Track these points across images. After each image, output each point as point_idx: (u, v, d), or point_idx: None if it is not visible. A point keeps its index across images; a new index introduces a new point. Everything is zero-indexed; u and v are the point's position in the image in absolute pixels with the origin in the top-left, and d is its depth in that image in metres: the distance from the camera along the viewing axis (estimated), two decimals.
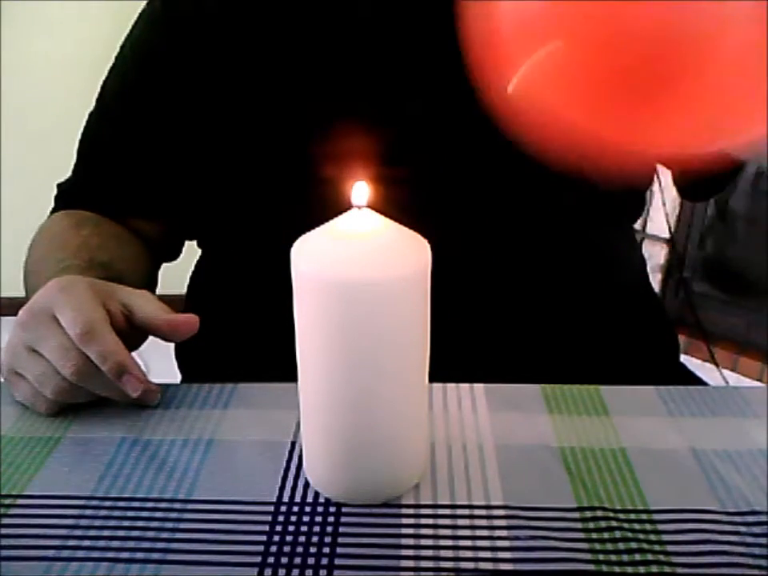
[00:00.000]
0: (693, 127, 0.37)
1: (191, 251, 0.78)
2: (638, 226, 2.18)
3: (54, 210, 0.73)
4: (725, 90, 0.35)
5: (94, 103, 0.72)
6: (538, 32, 0.36)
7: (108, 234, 0.68)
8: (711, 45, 0.34)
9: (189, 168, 0.69)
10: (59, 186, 0.74)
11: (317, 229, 0.40)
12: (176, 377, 0.75)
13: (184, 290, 0.78)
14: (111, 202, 0.71)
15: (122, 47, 0.71)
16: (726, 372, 2.05)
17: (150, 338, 0.55)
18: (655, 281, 2.19)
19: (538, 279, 0.67)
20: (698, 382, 0.73)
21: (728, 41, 0.34)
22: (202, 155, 0.68)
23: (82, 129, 0.73)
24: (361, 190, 0.40)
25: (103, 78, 0.72)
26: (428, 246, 0.40)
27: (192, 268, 0.79)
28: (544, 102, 0.38)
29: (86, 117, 0.73)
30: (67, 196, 0.73)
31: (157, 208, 0.72)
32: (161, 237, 0.74)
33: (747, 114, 0.36)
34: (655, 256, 2.18)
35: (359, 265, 0.38)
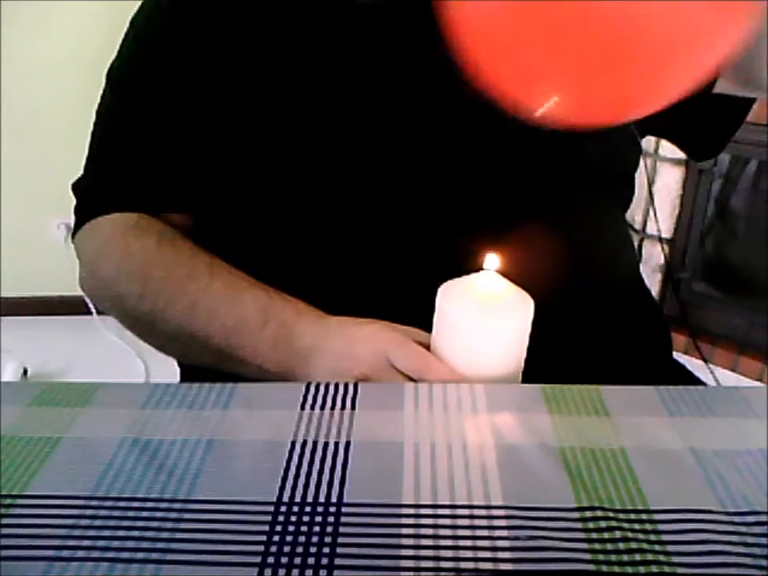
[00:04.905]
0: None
1: None
2: (638, 225, 2.18)
3: (82, 213, 0.70)
4: None
5: (100, 103, 0.70)
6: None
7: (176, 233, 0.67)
8: None
9: (224, 159, 0.67)
10: (76, 186, 0.71)
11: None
12: (176, 377, 0.75)
13: None
14: (151, 197, 0.68)
15: (128, 38, 0.69)
16: (726, 372, 2.05)
17: None
18: (655, 281, 2.19)
19: (534, 277, 0.67)
20: (690, 376, 0.74)
21: None
22: (238, 149, 0.67)
23: (93, 127, 0.70)
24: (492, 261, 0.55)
25: (107, 71, 0.69)
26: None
27: None
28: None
29: (95, 115, 0.70)
30: (97, 196, 0.70)
31: (191, 198, 0.69)
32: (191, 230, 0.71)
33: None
34: (655, 256, 2.18)
35: None
